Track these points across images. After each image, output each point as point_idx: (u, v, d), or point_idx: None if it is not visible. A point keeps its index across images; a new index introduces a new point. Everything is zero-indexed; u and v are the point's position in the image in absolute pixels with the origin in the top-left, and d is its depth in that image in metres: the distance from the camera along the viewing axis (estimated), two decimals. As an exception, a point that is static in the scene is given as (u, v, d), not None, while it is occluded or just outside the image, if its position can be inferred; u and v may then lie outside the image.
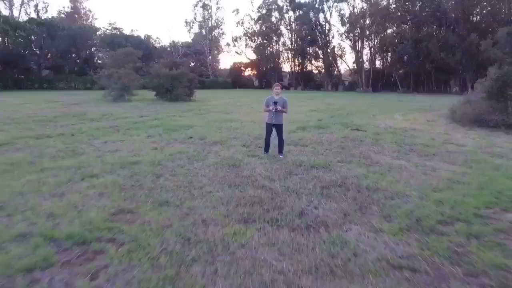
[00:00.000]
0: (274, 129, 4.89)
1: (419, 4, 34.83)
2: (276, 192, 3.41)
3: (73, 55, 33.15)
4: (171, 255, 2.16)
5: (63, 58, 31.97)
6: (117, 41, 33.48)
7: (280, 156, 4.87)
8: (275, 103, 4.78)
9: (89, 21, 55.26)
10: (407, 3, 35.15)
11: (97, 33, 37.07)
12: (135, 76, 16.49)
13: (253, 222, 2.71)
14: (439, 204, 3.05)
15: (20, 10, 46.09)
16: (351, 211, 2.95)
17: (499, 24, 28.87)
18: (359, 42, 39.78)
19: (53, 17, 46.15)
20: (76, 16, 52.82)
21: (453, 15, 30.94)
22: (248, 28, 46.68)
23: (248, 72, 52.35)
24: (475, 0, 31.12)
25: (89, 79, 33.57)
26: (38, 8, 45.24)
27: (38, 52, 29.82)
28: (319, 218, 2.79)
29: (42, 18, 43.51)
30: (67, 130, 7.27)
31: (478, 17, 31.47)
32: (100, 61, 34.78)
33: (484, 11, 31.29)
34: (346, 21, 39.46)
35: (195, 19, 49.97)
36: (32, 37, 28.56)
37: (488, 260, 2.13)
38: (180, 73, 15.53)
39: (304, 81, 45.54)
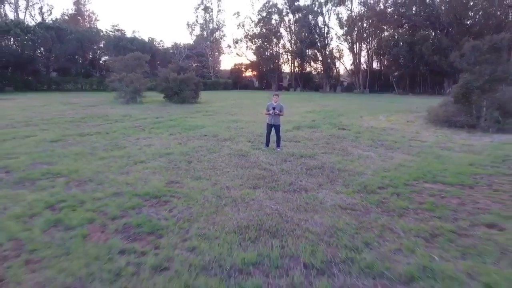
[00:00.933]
0: (273, 129, 6.42)
1: (414, 8, 36.39)
2: (274, 172, 4.93)
3: (80, 57, 34.61)
4: (211, 203, 3.69)
5: (71, 61, 33.46)
6: (122, 44, 35.05)
7: (278, 149, 6.40)
8: (274, 108, 6.31)
9: (92, 23, 56.78)
10: (403, 8, 36.71)
11: (101, 34, 38.63)
12: (145, 79, 17.99)
13: (259, 188, 4.23)
14: (383, 178, 4.58)
15: (25, 12, 47.70)
16: (324, 182, 4.48)
17: (490, 27, 30.47)
18: (357, 44, 41.34)
19: (56, 18, 47.72)
20: (80, 18, 54.35)
21: (446, 19, 32.48)
22: (249, 30, 48.22)
23: (248, 73, 53.90)
24: (468, 5, 32.63)
25: (95, 80, 35.20)
26: (43, 10, 46.84)
27: (47, 55, 31.31)
28: (302, 186, 4.31)
29: (47, 20, 45.06)
30: (100, 129, 8.79)
31: (471, 20, 32.96)
32: (104, 62, 36.34)
33: (477, 16, 32.80)
34: (344, 23, 41.00)
35: (196, 21, 51.52)
36: (41, 40, 30.00)
37: (398, 205, 3.65)
38: (187, 77, 17.06)
39: (303, 82, 47.07)
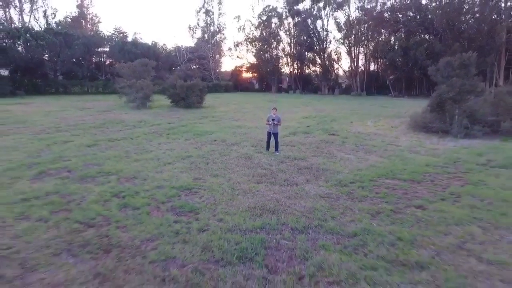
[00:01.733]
0: (272, 136, 7.95)
1: (410, 13, 37.94)
2: (273, 171, 6.46)
3: (86, 61, 36.11)
4: (228, 193, 5.21)
5: (77, 65, 34.97)
6: (127, 48, 36.59)
7: (276, 153, 7.92)
8: (273, 119, 7.83)
9: (95, 25, 58.27)
10: (399, 13, 38.26)
11: (105, 37, 40.20)
12: (154, 86, 19.51)
13: (262, 183, 5.75)
14: (355, 176, 6.11)
15: (30, 16, 49.16)
16: (310, 179, 6.00)
17: (482, 32, 32.03)
18: (355, 47, 42.90)
19: (60, 21, 49.25)
20: (83, 21, 55.83)
21: (440, 25, 34.02)
22: (249, 34, 49.75)
23: (249, 74, 55.43)
24: (460, 11, 34.14)
25: (101, 83, 36.72)
26: (47, 14, 48.31)
27: (55, 59, 32.81)
28: (294, 181, 5.84)
29: (51, 23, 46.59)
30: (124, 135, 10.31)
31: (463, 26, 34.46)
32: (110, 67, 37.89)
33: (469, 21, 34.31)
34: (342, 26, 42.54)
35: (198, 24, 53.01)
36: (49, 45, 31.51)
37: (360, 194, 5.18)
38: (193, 84, 18.59)
39: (302, 84, 48.62)
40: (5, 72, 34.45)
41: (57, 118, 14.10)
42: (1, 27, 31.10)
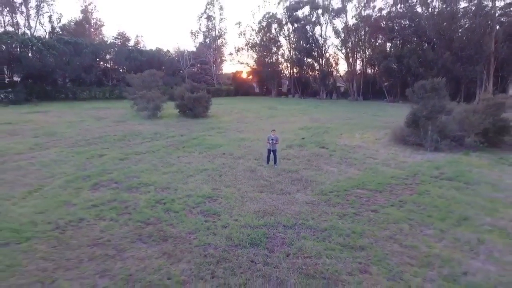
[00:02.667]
0: (271, 152, 9.98)
1: (404, 23, 39.97)
2: (272, 182, 8.49)
3: (94, 68, 38.10)
4: (239, 200, 7.23)
5: (86, 71, 36.96)
6: (133, 55, 38.61)
7: (275, 166, 9.94)
8: (272, 139, 9.85)
9: (98, 30, 60.24)
10: (393, 22, 40.29)
11: (108, 42, 42.26)
12: (164, 97, 21.54)
13: (263, 192, 7.78)
14: (334, 186, 8.13)
15: (36, 21, 51.14)
16: (300, 189, 8.03)
17: (471, 41, 34.03)
18: (352, 54, 44.95)
19: (64, 25, 51.27)
20: (87, 25, 57.77)
21: (432, 34, 36.04)
22: (250, 39, 51.77)
23: (249, 77, 57.45)
24: (451, 20, 36.12)
25: (108, 89, 38.74)
26: (52, 19, 50.28)
27: (65, 67, 34.78)
28: (287, 191, 7.86)
29: (56, 28, 48.62)
30: (146, 148, 12.32)
31: (454, 35, 36.44)
32: (123, 74, 39.94)
33: (459, 30, 36.31)
34: (340, 31, 44.53)
35: (200, 29, 54.99)
36: (60, 54, 33.49)
37: (335, 201, 7.20)
38: (200, 96, 20.62)
39: (301, 87, 50.67)
40: (17, 79, 36.49)
41: (81, 130, 16.11)
42: (14, 36, 33.07)
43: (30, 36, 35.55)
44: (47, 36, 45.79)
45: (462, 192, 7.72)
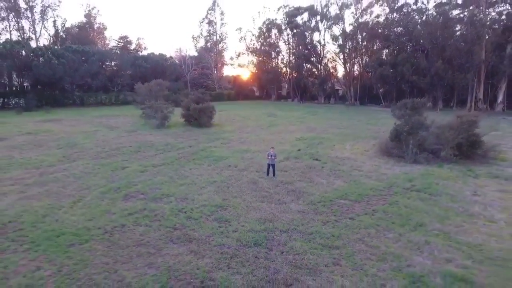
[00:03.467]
0: (271, 166, 11.85)
1: (399, 30, 41.83)
2: (271, 193, 10.36)
3: (100, 74, 39.99)
4: (244, 209, 9.11)
5: (92, 78, 38.83)
6: (138, 62, 40.46)
7: (274, 178, 11.80)
8: (271, 155, 11.72)
9: (101, 34, 61.99)
10: (389, 29, 42.16)
11: (114, 50, 44.11)
12: (171, 108, 23.42)
13: (264, 202, 9.65)
14: (321, 197, 10.00)
15: (41, 26, 52.94)
16: (294, 199, 9.90)
17: (461, 51, 35.86)
18: (349, 59, 46.83)
19: (67, 28, 53.02)
20: (90, 29, 59.53)
21: (425, 42, 37.90)
22: (250, 44, 53.61)
23: (249, 82, 59.32)
24: (444, 29, 37.95)
25: (114, 95, 40.64)
26: (57, 24, 52.07)
27: (73, 74, 36.65)
28: (283, 201, 9.73)
29: (60, 32, 50.38)
30: (161, 160, 14.18)
31: (446, 43, 38.28)
32: (120, 76, 41.78)
33: (451, 40, 38.14)
34: (339, 37, 46.39)
35: (201, 34, 56.83)
36: (69, 62, 35.34)
37: (321, 210, 9.07)
38: (205, 107, 22.50)
39: (300, 92, 52.55)
40: (26, 85, 38.36)
41: (98, 140, 17.99)
42: (25, 46, 34.91)
43: (40, 45, 37.36)
44: (51, 40, 47.65)
45: (425, 202, 9.60)
